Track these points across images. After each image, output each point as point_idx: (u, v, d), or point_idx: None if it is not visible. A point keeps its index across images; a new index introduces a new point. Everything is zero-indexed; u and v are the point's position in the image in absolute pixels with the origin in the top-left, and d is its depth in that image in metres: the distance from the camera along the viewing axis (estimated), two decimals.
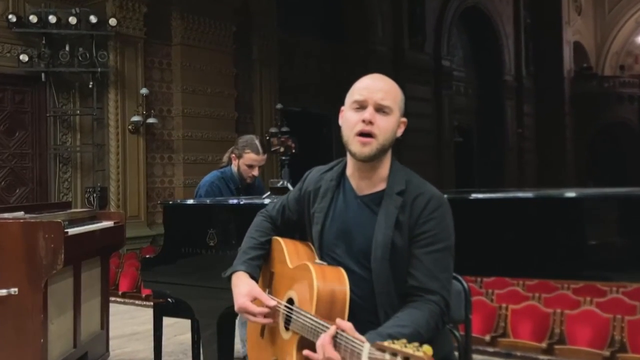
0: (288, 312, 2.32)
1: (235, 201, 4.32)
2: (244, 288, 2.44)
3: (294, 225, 2.64)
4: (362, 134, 2.32)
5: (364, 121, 2.31)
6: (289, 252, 2.52)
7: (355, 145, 2.33)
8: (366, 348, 1.84)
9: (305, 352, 2.15)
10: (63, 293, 4.62)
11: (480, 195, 3.54)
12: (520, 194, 3.55)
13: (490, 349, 6.32)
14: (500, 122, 27.65)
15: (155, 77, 13.48)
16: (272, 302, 2.39)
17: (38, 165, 11.98)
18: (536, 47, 29.84)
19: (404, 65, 21.04)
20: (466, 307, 2.64)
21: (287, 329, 2.32)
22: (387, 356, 1.76)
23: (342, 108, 2.42)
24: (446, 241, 2.30)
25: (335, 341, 2.01)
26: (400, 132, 2.42)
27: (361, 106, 2.34)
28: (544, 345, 6.22)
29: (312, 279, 2.23)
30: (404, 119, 2.43)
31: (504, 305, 6.86)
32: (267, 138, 14.95)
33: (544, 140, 29.65)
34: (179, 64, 13.71)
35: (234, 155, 5.10)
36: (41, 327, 4.17)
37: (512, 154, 28.19)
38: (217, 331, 3.86)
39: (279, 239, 2.60)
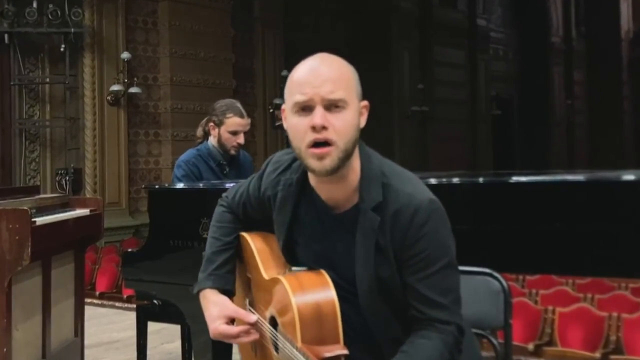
0: (273, 336, 2.27)
1: (233, 185, 4.30)
2: (213, 310, 2.39)
3: (259, 222, 2.50)
4: (317, 144, 2.12)
5: (314, 128, 2.11)
6: (260, 253, 2.44)
7: (310, 160, 2.14)
8: None
9: None
10: (30, 294, 4.62)
11: (522, 179, 3.55)
12: (569, 177, 3.55)
13: None
14: (546, 92, 27.53)
15: (139, 39, 13.47)
16: (252, 318, 2.34)
17: (0, 143, 11.99)
18: (588, 3, 29.66)
19: (432, 25, 20.83)
20: (506, 311, 2.62)
21: (277, 350, 2.27)
22: None
23: (283, 107, 2.24)
24: (444, 258, 2.18)
25: None
26: (363, 122, 2.23)
27: (306, 108, 2.13)
28: (597, 355, 6.22)
29: (288, 296, 2.15)
30: (365, 102, 2.24)
31: (550, 308, 6.86)
32: (271, 110, 14.96)
33: (597, 113, 29.45)
34: (166, 24, 13.70)
35: (212, 124, 5.03)
36: (4, 333, 4.17)
37: (560, 129, 28.10)
38: (211, 338, 3.86)
39: (247, 236, 2.50)
